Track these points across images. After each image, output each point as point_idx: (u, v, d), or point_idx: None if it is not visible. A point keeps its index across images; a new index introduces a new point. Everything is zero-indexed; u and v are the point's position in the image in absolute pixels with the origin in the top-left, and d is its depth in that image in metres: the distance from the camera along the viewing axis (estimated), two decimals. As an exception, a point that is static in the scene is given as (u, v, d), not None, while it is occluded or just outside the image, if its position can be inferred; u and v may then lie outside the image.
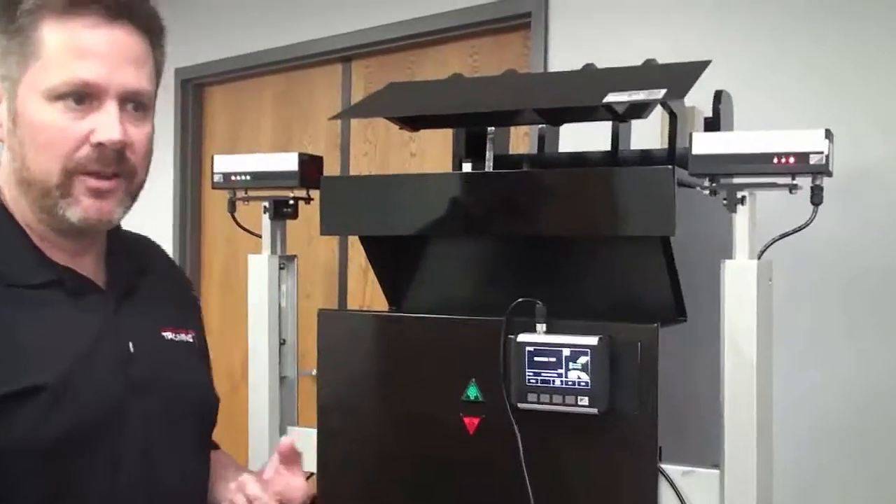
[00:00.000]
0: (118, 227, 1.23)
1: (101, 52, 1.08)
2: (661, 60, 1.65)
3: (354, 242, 3.11)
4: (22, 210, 1.12)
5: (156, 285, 1.27)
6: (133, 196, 1.16)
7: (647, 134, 1.84)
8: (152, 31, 1.15)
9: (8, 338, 1.05)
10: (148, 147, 1.15)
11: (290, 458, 1.23)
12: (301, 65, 3.31)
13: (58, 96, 1.07)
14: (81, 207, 1.10)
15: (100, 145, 1.08)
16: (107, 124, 1.08)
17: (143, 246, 1.31)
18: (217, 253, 3.66)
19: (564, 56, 2.52)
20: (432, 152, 2.92)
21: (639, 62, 1.67)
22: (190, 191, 3.66)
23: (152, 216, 3.70)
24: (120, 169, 1.11)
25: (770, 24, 2.19)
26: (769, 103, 2.11)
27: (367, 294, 3.10)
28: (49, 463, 1.04)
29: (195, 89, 3.67)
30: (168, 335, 1.24)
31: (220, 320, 3.66)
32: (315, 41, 3.18)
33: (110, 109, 1.09)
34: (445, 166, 2.78)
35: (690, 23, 2.32)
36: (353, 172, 3.13)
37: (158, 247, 1.37)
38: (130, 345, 1.15)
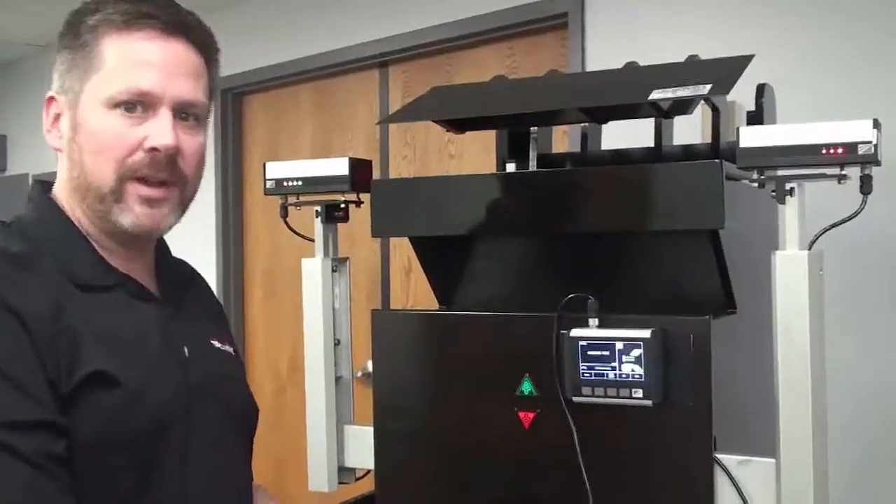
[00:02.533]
0: (165, 248, 1.29)
1: (157, 63, 1.14)
2: (701, 56, 1.66)
3: (396, 244, 3.15)
4: (79, 218, 1.17)
5: (198, 300, 1.33)
6: (184, 206, 1.20)
7: (688, 129, 1.85)
8: (208, 49, 1.21)
9: (97, 330, 1.09)
10: (199, 157, 1.20)
11: None
12: (338, 71, 3.35)
13: (116, 104, 1.12)
14: (134, 214, 1.14)
15: (153, 150, 1.13)
16: (160, 130, 1.13)
17: (185, 267, 1.37)
18: (260, 258, 3.71)
19: (602, 55, 2.53)
20: (471, 154, 2.95)
21: (677, 59, 1.68)
22: (232, 198, 3.72)
23: (195, 222, 3.74)
24: (170, 176, 1.16)
25: (811, 16, 2.18)
26: (810, 96, 2.11)
27: (410, 294, 3.13)
28: (132, 455, 1.08)
29: (234, 98, 3.73)
30: (216, 343, 1.28)
31: (264, 325, 3.71)
32: (351, 47, 3.22)
33: (164, 117, 1.14)
34: (485, 167, 2.81)
35: (729, 17, 2.31)
36: (392, 175, 3.17)
37: (198, 272, 1.42)
38: (185, 350, 1.20)
